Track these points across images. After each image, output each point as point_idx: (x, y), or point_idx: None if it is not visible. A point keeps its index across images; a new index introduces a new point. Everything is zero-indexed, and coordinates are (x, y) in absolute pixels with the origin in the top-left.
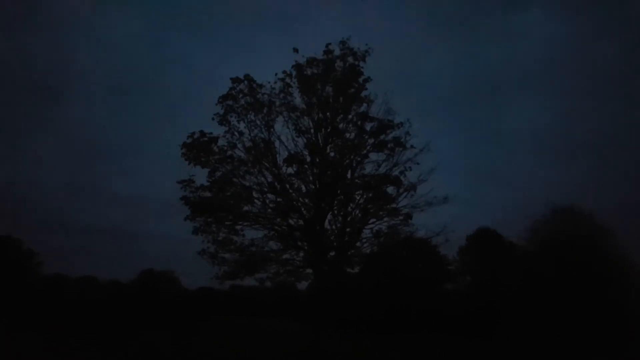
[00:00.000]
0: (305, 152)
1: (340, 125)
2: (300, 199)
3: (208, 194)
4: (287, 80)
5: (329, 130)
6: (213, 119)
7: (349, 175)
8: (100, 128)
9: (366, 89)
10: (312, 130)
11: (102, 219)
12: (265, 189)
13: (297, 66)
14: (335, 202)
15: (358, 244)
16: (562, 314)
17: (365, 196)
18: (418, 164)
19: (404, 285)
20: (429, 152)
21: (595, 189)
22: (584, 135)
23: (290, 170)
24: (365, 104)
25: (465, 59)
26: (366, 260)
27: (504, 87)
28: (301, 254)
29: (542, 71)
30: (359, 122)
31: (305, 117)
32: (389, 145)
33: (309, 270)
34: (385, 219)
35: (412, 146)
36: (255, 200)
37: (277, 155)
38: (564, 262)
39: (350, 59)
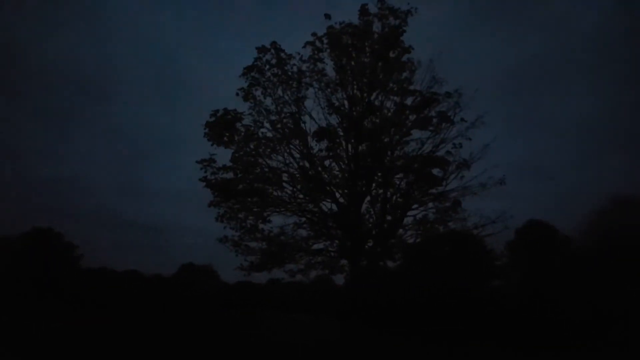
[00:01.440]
0: (339, 128)
1: (377, 100)
2: (333, 180)
3: (231, 174)
4: (318, 44)
5: (365, 106)
6: (237, 94)
7: (388, 155)
8: (146, 125)
9: (410, 52)
10: (345, 106)
11: (145, 215)
12: (295, 171)
13: (330, 34)
14: (374, 185)
15: (401, 231)
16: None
17: (406, 179)
18: (470, 139)
19: (447, 284)
20: (482, 126)
21: None
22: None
23: (321, 146)
24: (407, 72)
25: (508, 46)
26: (406, 254)
27: (550, 76)
28: (335, 244)
29: (589, 59)
30: (399, 97)
31: (339, 92)
32: (433, 121)
33: (344, 262)
34: (430, 204)
35: (462, 119)
36: (285, 184)
37: (307, 134)
38: (630, 256)
39: (391, 20)
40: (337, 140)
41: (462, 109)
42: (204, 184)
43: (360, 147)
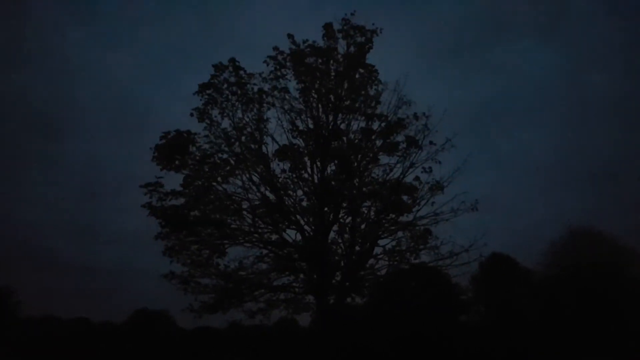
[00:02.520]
0: (303, 149)
1: (344, 124)
2: (297, 207)
3: (181, 200)
4: (280, 59)
5: (330, 130)
6: (192, 114)
7: (355, 182)
8: (99, 164)
9: (376, 73)
10: (310, 126)
11: (97, 258)
12: (255, 198)
13: (294, 52)
14: (341, 212)
15: (371, 261)
16: (587, 346)
17: (374, 207)
18: (440, 162)
19: (414, 320)
20: (452, 149)
21: (605, 216)
22: (590, 163)
23: (284, 167)
24: (373, 91)
25: (458, 91)
26: (371, 292)
27: (503, 119)
28: (301, 278)
29: (542, 102)
30: (365, 121)
31: (302, 114)
32: (400, 146)
33: (310, 298)
34: (399, 234)
35: (431, 142)
36: (245, 213)
37: (269, 158)
38: (587, 289)
39: (357, 37)
40: (302, 160)
41: (431, 131)
42: (148, 212)
43: (326, 170)
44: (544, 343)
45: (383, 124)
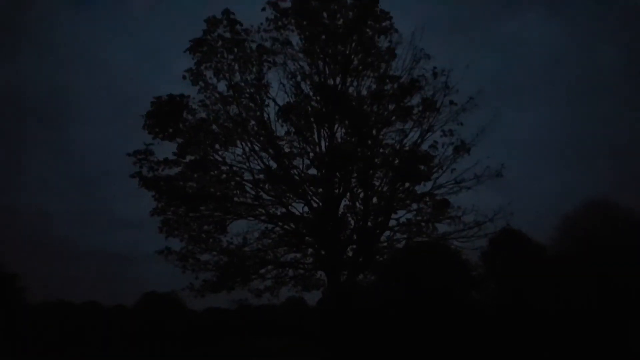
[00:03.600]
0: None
1: (352, 89)
2: (304, 174)
3: (175, 170)
4: (281, 3)
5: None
6: (184, 77)
7: (367, 150)
8: (106, 149)
9: (389, 19)
10: (318, 86)
11: (107, 243)
12: (258, 168)
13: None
14: (353, 181)
15: (387, 233)
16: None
17: (386, 179)
18: (461, 124)
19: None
20: (475, 109)
21: (621, 190)
22: (602, 137)
23: (289, 129)
24: (387, 40)
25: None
26: (378, 270)
27: (511, 93)
28: (310, 253)
29: (544, 75)
30: (376, 85)
31: (307, 80)
32: (415, 111)
33: (321, 274)
34: (415, 205)
35: (451, 102)
36: (247, 185)
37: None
38: (603, 264)
39: None
40: (309, 121)
41: (451, 90)
42: (139, 182)
43: (335, 135)
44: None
45: (396, 86)
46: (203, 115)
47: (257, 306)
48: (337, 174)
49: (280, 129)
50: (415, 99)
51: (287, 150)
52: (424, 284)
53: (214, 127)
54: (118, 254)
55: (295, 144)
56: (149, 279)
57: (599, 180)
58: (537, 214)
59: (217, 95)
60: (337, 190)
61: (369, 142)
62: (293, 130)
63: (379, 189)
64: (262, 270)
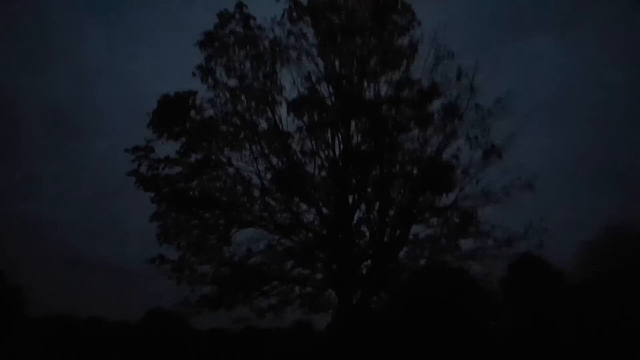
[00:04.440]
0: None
1: (369, 91)
2: (318, 176)
3: (175, 170)
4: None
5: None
6: (194, 74)
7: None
8: (122, 161)
9: (411, 12)
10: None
11: (117, 256)
12: (265, 169)
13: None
14: (369, 189)
15: (406, 249)
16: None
17: (403, 190)
18: (487, 130)
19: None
20: (503, 114)
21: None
22: (613, 162)
23: (300, 124)
24: (409, 36)
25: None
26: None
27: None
28: (319, 268)
29: (559, 99)
30: (394, 91)
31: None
32: (436, 117)
33: (331, 293)
34: (433, 221)
35: (477, 106)
36: (254, 191)
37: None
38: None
39: None
40: (322, 118)
41: (477, 93)
42: (136, 181)
43: (352, 138)
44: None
45: (415, 91)
46: (211, 113)
47: (263, 329)
48: (353, 179)
49: (292, 125)
50: (437, 104)
51: (297, 148)
52: (441, 312)
53: (222, 126)
54: (127, 268)
55: (307, 142)
56: (160, 294)
57: (616, 206)
58: (555, 239)
59: (228, 95)
60: (351, 198)
61: (387, 147)
62: (305, 126)
63: (397, 199)
64: (266, 287)
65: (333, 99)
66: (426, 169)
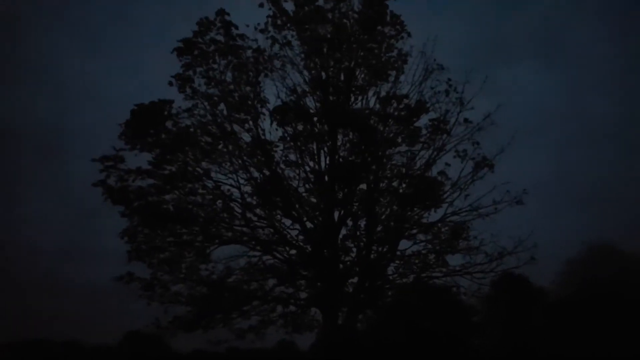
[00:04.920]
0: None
1: (355, 105)
2: (302, 186)
3: (147, 182)
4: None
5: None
6: (171, 83)
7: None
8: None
9: (400, 23)
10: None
11: (92, 278)
12: (245, 181)
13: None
14: (355, 203)
15: (394, 265)
16: None
17: (390, 206)
18: (477, 143)
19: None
20: (491, 127)
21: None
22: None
23: (283, 133)
24: (398, 44)
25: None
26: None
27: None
28: (303, 287)
29: (536, 123)
30: (380, 106)
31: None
32: (422, 134)
33: (316, 312)
34: (420, 237)
35: (466, 120)
36: (234, 207)
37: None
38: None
39: None
40: (307, 128)
41: (466, 107)
42: (103, 194)
43: (339, 149)
44: None
45: (402, 107)
46: (188, 122)
47: (246, 350)
48: (339, 194)
49: (275, 135)
50: (425, 119)
51: (280, 159)
52: (426, 331)
53: (200, 137)
54: (104, 288)
55: (291, 153)
56: (139, 315)
57: (595, 225)
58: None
59: (207, 104)
60: (337, 214)
61: (375, 160)
62: (289, 136)
63: (384, 215)
64: (246, 308)
65: (319, 109)
66: (414, 185)
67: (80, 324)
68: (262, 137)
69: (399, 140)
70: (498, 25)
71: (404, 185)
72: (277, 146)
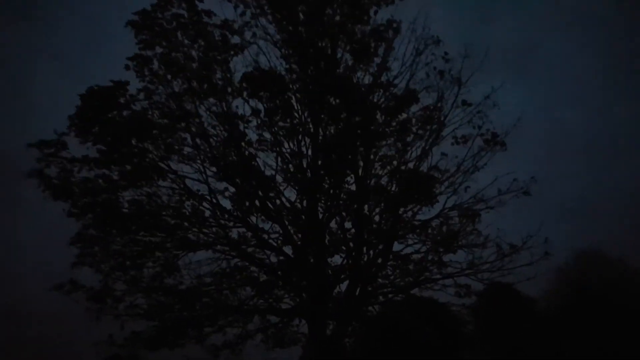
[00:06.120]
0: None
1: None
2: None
3: (94, 172)
4: None
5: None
6: (127, 67)
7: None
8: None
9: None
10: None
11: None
12: (207, 169)
13: None
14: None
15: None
16: None
17: (380, 204)
18: (479, 127)
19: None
20: (494, 109)
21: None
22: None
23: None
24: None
25: None
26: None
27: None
28: (283, 296)
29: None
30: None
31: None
32: (413, 124)
33: (302, 325)
34: (412, 238)
35: (465, 103)
36: (206, 207)
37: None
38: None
39: None
40: (288, 95)
41: (465, 86)
42: (40, 186)
43: (325, 129)
44: None
45: (389, 98)
46: (145, 105)
47: None
48: (323, 188)
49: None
50: (416, 108)
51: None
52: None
53: (157, 120)
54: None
55: (265, 132)
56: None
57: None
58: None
59: (168, 88)
60: (322, 213)
61: (366, 139)
62: (263, 110)
63: (374, 214)
64: (221, 322)
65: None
66: (405, 181)
67: (62, 351)
68: (230, 111)
69: (388, 131)
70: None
71: (394, 182)
72: (250, 121)
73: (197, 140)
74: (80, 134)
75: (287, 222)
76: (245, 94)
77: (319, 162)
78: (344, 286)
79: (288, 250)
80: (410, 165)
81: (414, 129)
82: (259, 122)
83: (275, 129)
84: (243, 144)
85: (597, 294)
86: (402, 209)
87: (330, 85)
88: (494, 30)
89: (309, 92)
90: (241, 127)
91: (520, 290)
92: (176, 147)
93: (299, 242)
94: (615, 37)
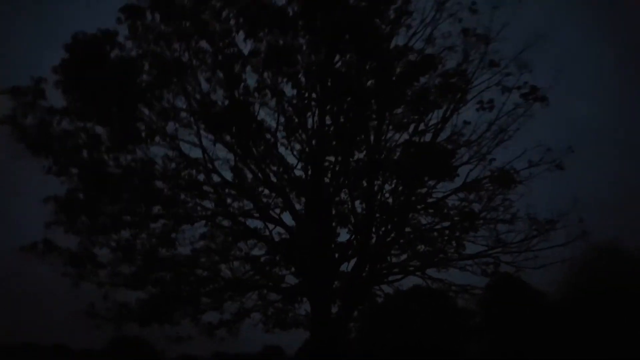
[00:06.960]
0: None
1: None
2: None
3: (75, 124)
4: None
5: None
6: (120, 20)
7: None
8: None
9: None
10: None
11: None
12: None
13: None
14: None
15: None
16: None
17: (392, 185)
18: (509, 91)
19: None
20: (526, 71)
21: None
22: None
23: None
24: None
25: None
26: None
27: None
28: (287, 274)
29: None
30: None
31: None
32: (432, 93)
33: (303, 304)
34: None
35: (492, 63)
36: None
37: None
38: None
39: None
40: (288, 44)
41: (492, 43)
42: (13, 134)
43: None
44: None
45: (404, 63)
46: (134, 54)
47: (233, 355)
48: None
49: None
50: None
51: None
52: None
53: (149, 68)
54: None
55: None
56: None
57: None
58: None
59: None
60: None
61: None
62: (262, 52)
63: (385, 190)
64: (226, 297)
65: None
66: (420, 156)
67: (66, 328)
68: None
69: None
70: None
71: (408, 155)
72: (249, 62)
73: (193, 101)
74: (69, 92)
75: (288, 192)
76: (241, 32)
77: (326, 121)
78: (350, 265)
79: (291, 223)
80: (428, 135)
81: (431, 98)
82: (259, 62)
83: (276, 72)
84: (238, 91)
85: (612, 287)
86: (416, 187)
87: (342, 23)
88: None
89: (317, 31)
90: (236, 69)
91: (529, 282)
92: (172, 114)
93: (302, 215)
94: None
